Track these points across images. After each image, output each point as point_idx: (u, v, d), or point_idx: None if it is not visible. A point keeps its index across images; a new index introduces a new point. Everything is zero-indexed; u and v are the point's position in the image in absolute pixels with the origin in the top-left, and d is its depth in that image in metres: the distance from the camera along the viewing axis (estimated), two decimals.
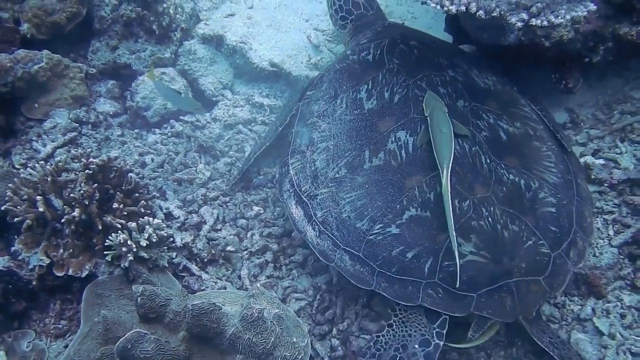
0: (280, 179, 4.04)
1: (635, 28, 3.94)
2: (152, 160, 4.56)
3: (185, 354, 3.13)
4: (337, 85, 4.10)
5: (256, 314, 3.12)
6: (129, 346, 2.94)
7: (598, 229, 3.97)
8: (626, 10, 3.98)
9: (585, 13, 3.07)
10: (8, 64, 4.43)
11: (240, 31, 5.29)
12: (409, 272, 3.36)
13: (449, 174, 3.29)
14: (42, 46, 4.78)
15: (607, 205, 4.05)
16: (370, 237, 3.48)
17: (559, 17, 3.04)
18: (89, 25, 5.16)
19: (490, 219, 3.37)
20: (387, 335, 3.46)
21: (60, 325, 3.80)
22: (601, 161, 4.15)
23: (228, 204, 4.33)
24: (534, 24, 3.06)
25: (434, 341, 3.35)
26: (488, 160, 3.56)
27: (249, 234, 4.16)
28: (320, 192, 3.73)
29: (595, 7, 3.14)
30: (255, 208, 4.27)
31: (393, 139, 3.67)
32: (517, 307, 3.26)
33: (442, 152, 3.38)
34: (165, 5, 5.04)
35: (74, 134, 4.60)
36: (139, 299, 3.22)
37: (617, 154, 4.20)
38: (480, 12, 3.12)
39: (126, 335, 2.96)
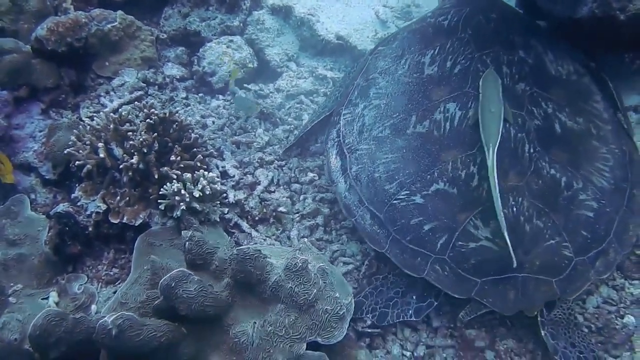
0: (330, 127, 4.05)
1: None
2: (213, 122, 4.61)
3: (227, 300, 3.13)
4: (406, 45, 4.05)
5: (300, 264, 3.10)
6: (173, 284, 2.94)
7: None
8: None
9: None
10: (83, 20, 4.59)
11: (309, 3, 5.34)
12: (421, 243, 3.33)
13: (495, 155, 3.21)
14: (118, 8, 4.92)
15: None
16: (394, 202, 3.45)
17: None
18: None
19: (514, 209, 3.27)
20: (396, 276, 3.53)
21: (111, 273, 3.89)
22: None
23: (283, 168, 4.33)
24: None
25: (429, 299, 3.38)
26: (531, 150, 3.43)
27: (301, 197, 4.16)
28: (360, 148, 3.71)
29: None
30: (310, 174, 4.25)
31: (442, 109, 3.60)
32: (519, 302, 3.17)
33: (488, 131, 3.31)
34: None
35: (140, 92, 4.71)
36: (187, 243, 3.25)
37: None
38: None
39: (171, 273, 2.97)
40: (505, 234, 3.08)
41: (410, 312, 3.38)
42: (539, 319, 3.28)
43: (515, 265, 3.12)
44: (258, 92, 4.91)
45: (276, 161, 4.35)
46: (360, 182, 3.62)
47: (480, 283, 3.21)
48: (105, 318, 2.83)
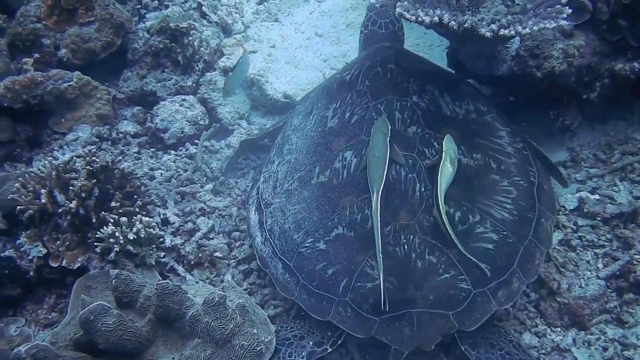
0: (252, 186, 4.27)
1: (629, 64, 3.99)
2: (161, 174, 4.78)
3: (147, 335, 3.21)
4: (315, 101, 4.28)
5: (217, 299, 3.19)
6: (92, 317, 3.03)
7: (587, 262, 3.90)
8: (622, 48, 4.05)
9: (553, 25, 3.16)
10: (39, 79, 4.85)
11: (260, 66, 5.59)
12: (326, 287, 3.44)
13: (379, 198, 3.36)
14: (80, 70, 5.21)
15: (600, 239, 3.97)
16: (302, 250, 3.59)
17: (526, 28, 3.15)
18: (123, 57, 5.59)
19: (405, 247, 3.37)
20: (298, 322, 3.66)
21: (50, 317, 3.97)
22: (596, 196, 4.11)
23: (225, 216, 4.47)
24: (502, 33, 3.18)
25: (324, 346, 3.47)
26: (422, 189, 3.55)
27: (237, 244, 4.29)
28: (274, 202, 3.88)
29: (566, 22, 3.24)
30: None
31: (340, 158, 3.79)
32: (415, 337, 3.23)
33: (373, 175, 3.46)
34: (190, 38, 5.43)
35: (93, 147, 4.89)
36: (114, 281, 3.35)
37: (614, 191, 4.15)
38: (453, 24, 3.26)
39: (90, 306, 3.07)
40: (381, 274, 3.21)
41: (304, 354, 3.45)
42: (456, 335, 3.34)
43: (385, 305, 3.22)
44: (209, 148, 5.11)
45: (217, 210, 4.51)
46: (273, 234, 3.77)
47: (379, 321, 3.28)
48: (20, 347, 2.92)
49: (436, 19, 3.28)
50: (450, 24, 3.26)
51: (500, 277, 3.38)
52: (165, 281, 3.22)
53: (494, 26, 3.21)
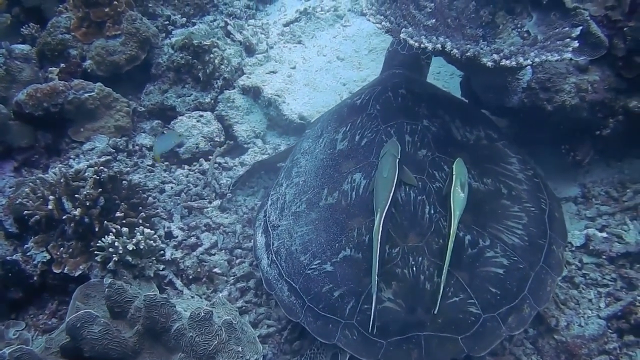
0: (259, 208, 4.26)
1: None
2: (172, 188, 4.84)
3: (134, 347, 3.21)
4: (325, 125, 4.28)
5: (203, 314, 3.19)
6: (78, 325, 3.05)
7: (590, 300, 3.80)
8: (638, 85, 3.96)
9: (557, 58, 3.11)
10: (60, 88, 4.99)
11: (278, 86, 5.64)
12: (332, 310, 3.40)
13: (381, 219, 3.31)
14: (104, 82, 5.36)
15: (604, 278, 3.88)
16: (308, 272, 3.55)
17: (528, 59, 3.12)
18: (148, 71, 5.72)
19: (414, 269, 3.32)
20: (293, 349, 3.70)
21: (50, 322, 4.03)
22: (604, 234, 4.01)
23: (229, 233, 4.49)
24: (503, 64, 3.15)
25: None
26: (432, 211, 3.51)
27: (238, 261, 4.30)
28: (281, 224, 3.86)
29: (570, 55, 3.18)
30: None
31: (349, 180, 3.75)
32: None
33: (378, 196, 3.43)
34: (211, 55, 5.52)
35: (108, 157, 4.99)
36: (107, 290, 3.37)
37: (624, 230, 4.04)
38: (455, 51, 3.24)
39: (77, 313, 3.10)
40: (374, 297, 3.19)
41: None
42: None
43: (373, 331, 3.22)
44: (223, 165, 5.15)
45: (222, 227, 4.53)
46: (280, 257, 3.74)
47: (386, 344, 3.23)
48: (5, 350, 2.97)
49: (439, 46, 3.26)
50: (452, 52, 3.24)
51: (510, 303, 3.32)
52: (153, 293, 3.23)
53: (495, 56, 3.18)
